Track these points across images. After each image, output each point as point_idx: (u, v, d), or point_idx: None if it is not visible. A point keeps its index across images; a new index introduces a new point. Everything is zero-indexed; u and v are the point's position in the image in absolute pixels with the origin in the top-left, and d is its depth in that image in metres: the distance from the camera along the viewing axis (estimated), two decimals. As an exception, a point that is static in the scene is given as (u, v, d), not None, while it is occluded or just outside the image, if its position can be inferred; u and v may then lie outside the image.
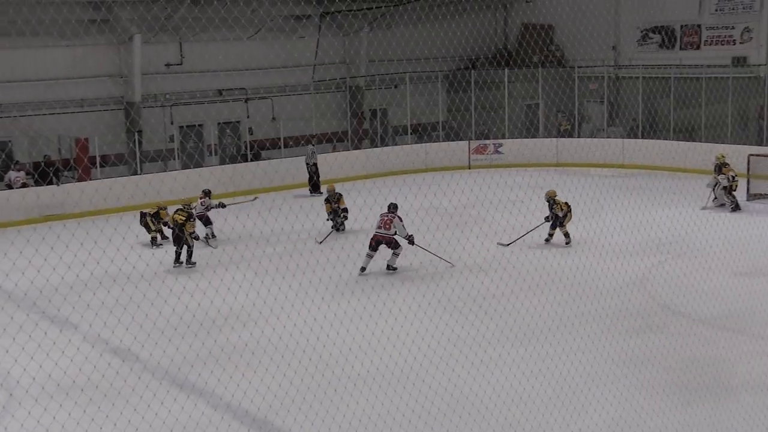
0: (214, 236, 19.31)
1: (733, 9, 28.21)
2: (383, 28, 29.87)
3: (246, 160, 26.90)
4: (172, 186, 21.71)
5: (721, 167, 21.17)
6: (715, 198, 21.25)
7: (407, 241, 16.37)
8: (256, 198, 20.86)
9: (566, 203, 18.07)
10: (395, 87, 30.47)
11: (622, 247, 17.58)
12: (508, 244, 17.83)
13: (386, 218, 16.33)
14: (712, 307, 13.77)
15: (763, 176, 22.44)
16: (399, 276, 15.97)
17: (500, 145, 29.48)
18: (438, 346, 11.84)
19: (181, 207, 17.44)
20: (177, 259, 17.20)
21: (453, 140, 29.99)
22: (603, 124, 30.62)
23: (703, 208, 20.86)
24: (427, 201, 18.85)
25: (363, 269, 16.15)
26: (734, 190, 20.95)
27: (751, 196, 21.91)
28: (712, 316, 13.50)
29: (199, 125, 27.35)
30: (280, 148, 27.57)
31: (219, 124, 27.70)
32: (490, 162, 29.01)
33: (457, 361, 11.47)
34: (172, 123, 26.83)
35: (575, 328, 12.89)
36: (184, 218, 17.11)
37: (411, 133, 30.42)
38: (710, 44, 29.06)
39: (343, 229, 19.97)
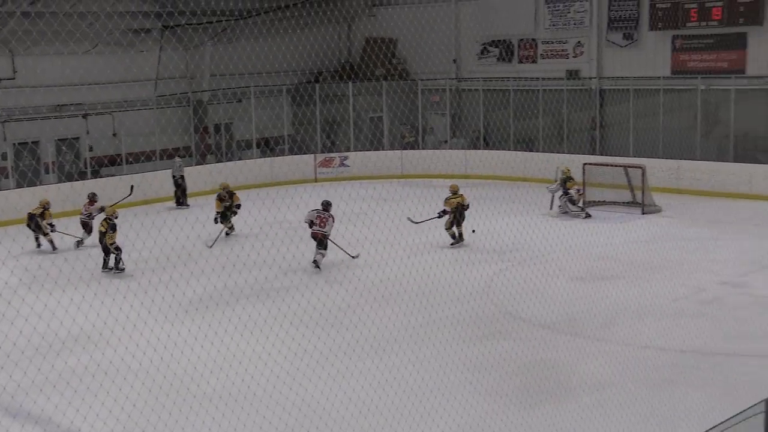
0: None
1: (566, 24, 29.27)
2: (225, 42, 29.59)
3: (84, 178, 26.07)
4: (4, 206, 20.87)
5: (566, 181, 22.01)
6: (560, 205, 22.05)
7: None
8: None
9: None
10: (239, 101, 30.18)
11: (465, 255, 17.97)
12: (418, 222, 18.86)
13: (323, 216, 17.46)
14: (551, 312, 14.22)
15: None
16: (247, 291, 15.78)
17: (346, 158, 29.67)
18: (285, 361, 11.79)
19: (105, 217, 17.69)
20: (105, 265, 17.52)
21: (299, 154, 30.01)
22: (446, 136, 31.25)
23: (547, 213, 21.63)
24: (270, 215, 18.75)
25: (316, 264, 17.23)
26: (577, 203, 21.88)
27: (587, 204, 22.76)
28: (552, 320, 13.95)
29: (34, 142, 26.32)
30: (121, 164, 26.90)
31: (56, 140, 26.76)
32: (336, 175, 29.15)
33: (304, 374, 11.42)
34: (5, 139, 25.74)
35: (422, 338, 13.09)
36: (104, 228, 17.21)
37: (256, 147, 30.22)
38: (546, 58, 30.02)
39: (232, 231, 20.36)
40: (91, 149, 27.31)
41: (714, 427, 6.68)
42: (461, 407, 10.23)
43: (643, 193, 22.87)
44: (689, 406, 10.09)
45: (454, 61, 32.09)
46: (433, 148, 30.81)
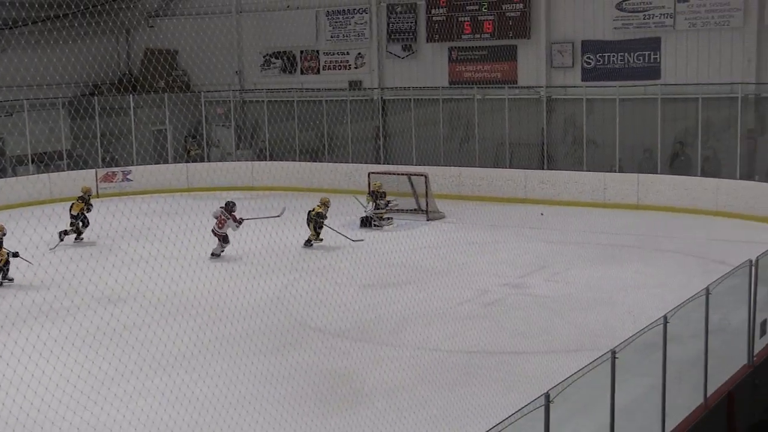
0: None
1: (347, 36, 29.74)
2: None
3: None
4: None
5: (377, 195, 22.38)
6: (374, 222, 22.24)
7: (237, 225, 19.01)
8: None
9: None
10: (10, 114, 28.63)
11: (256, 267, 17.90)
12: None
13: (221, 217, 18.89)
14: (343, 320, 14.37)
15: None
16: (24, 314, 14.83)
17: (129, 172, 28.85)
18: (68, 384, 11.14)
19: None
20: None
21: (78, 169, 28.84)
22: (232, 148, 31.02)
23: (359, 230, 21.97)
24: (48, 233, 17.99)
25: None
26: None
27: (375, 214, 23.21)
28: (344, 328, 14.10)
29: None
30: None
31: None
32: (119, 189, 28.27)
33: (89, 398, 10.87)
34: None
35: (213, 353, 12.92)
36: None
37: (32, 163, 28.80)
38: (328, 69, 30.38)
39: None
40: None
41: (500, 422, 6.99)
42: (255, 420, 10.16)
43: (427, 200, 23.54)
44: (478, 405, 10.45)
45: (237, 72, 31.90)
46: (219, 161, 30.47)
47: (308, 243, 19.93)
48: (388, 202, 22.49)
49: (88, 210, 21.15)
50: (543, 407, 7.18)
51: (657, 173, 24.05)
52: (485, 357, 12.64)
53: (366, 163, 27.29)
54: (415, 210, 23.74)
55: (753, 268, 11.07)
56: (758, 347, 11.08)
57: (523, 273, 17.34)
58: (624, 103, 24.70)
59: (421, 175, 23.74)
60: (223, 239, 19.06)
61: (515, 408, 7.32)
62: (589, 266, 17.57)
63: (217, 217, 18.94)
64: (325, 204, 20.14)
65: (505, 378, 11.66)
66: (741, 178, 22.77)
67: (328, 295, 15.38)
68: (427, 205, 23.51)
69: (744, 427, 10.36)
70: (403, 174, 24.27)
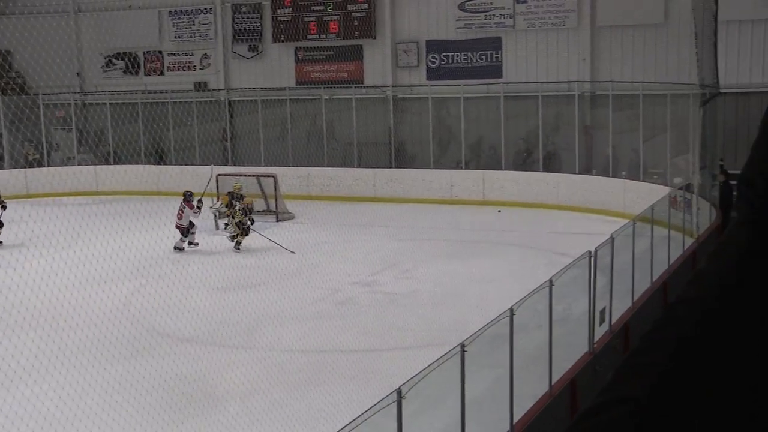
0: None
1: (191, 37, 29.33)
2: None
3: None
4: None
5: (235, 196, 22.04)
6: (226, 224, 21.82)
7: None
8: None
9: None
10: None
11: (102, 273, 17.40)
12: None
13: (180, 209, 19.57)
14: (194, 325, 14.16)
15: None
16: None
17: (-37, 179, 27.61)
18: None
19: None
20: None
21: None
22: (73, 152, 30.05)
23: (215, 234, 21.60)
24: None
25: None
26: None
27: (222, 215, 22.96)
28: (195, 333, 13.90)
29: None
30: None
31: None
32: (-48, 198, 27.00)
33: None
34: None
35: (58, 364, 12.47)
36: None
37: None
38: (173, 70, 29.88)
39: None
40: None
41: (354, 420, 7.04)
42: (101, 430, 9.92)
43: (276, 201, 23.46)
44: (331, 403, 10.50)
45: (78, 74, 30.95)
46: (61, 165, 29.50)
47: (237, 244, 20.21)
48: (250, 209, 21.49)
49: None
50: (395, 403, 7.27)
51: (501, 170, 24.68)
52: (338, 356, 12.70)
53: (214, 165, 26.91)
54: (264, 211, 23.60)
55: (592, 259, 11.52)
56: (598, 335, 11.53)
57: (374, 271, 17.50)
58: (468, 101, 25.23)
59: (270, 176, 23.64)
60: (184, 232, 19.73)
61: (368, 405, 7.39)
62: (438, 262, 17.88)
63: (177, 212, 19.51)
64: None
65: (358, 376, 11.74)
66: (580, 173, 23.67)
67: (179, 299, 15.11)
68: (276, 206, 23.43)
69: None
70: (251, 175, 24.09)
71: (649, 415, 1.40)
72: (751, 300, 2.70)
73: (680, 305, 2.05)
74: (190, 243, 20.08)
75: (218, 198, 22.34)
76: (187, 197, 19.88)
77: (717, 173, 21.48)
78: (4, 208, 21.31)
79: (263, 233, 20.09)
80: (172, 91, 29.04)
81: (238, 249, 19.97)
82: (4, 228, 20.86)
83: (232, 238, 20.30)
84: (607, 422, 1.28)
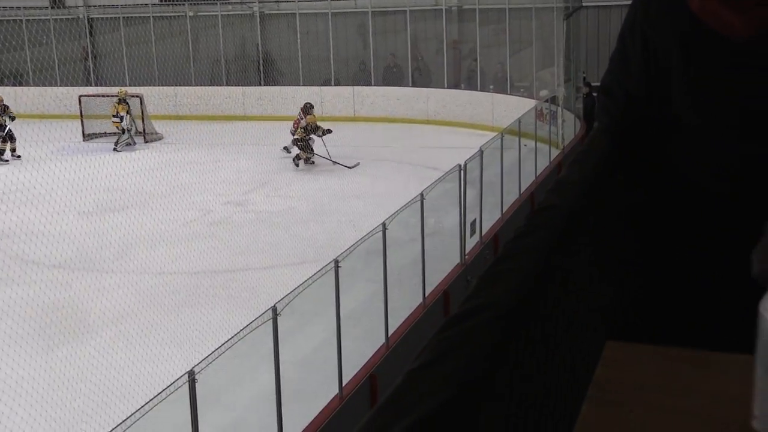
0: None
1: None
2: None
3: None
4: None
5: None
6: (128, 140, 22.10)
7: None
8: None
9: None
10: None
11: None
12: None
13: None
14: (62, 250, 13.89)
15: (95, 116, 23.03)
16: None
17: None
18: None
19: None
20: None
21: None
22: None
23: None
24: None
25: None
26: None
27: (87, 137, 22.42)
28: (65, 259, 13.67)
29: None
30: None
31: None
32: None
33: None
34: None
35: None
36: None
37: None
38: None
39: None
40: None
41: (229, 339, 7.12)
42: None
43: (143, 121, 22.99)
44: (207, 324, 10.54)
45: None
46: None
47: (298, 158, 19.87)
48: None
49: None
50: (271, 320, 7.38)
51: (371, 85, 24.74)
52: (211, 276, 12.72)
53: (76, 86, 26.05)
54: (132, 132, 23.12)
55: (462, 172, 11.78)
56: (469, 246, 11.87)
57: (246, 190, 17.46)
58: (336, 16, 25.08)
59: (136, 97, 23.09)
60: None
61: (244, 324, 7.48)
62: (309, 180, 17.96)
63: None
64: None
65: (233, 296, 11.79)
66: (448, 88, 23.94)
67: (45, 225, 14.76)
68: (144, 126, 22.95)
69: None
70: (116, 96, 23.46)
71: (510, 318, 1.50)
72: (608, 204, 2.87)
73: (541, 213, 2.17)
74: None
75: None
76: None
77: (580, 85, 22.07)
78: (13, 119, 21.63)
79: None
80: (27, 8, 27.76)
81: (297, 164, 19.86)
82: None
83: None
84: (471, 328, 1.38)
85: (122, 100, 22.32)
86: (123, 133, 22.12)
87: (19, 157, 21.09)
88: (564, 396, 1.69)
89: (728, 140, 2.49)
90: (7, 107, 22.11)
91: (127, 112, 22.26)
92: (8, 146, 21.44)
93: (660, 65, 2.54)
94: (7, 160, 21.05)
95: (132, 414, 5.96)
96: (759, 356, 1.08)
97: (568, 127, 18.86)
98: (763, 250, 1.34)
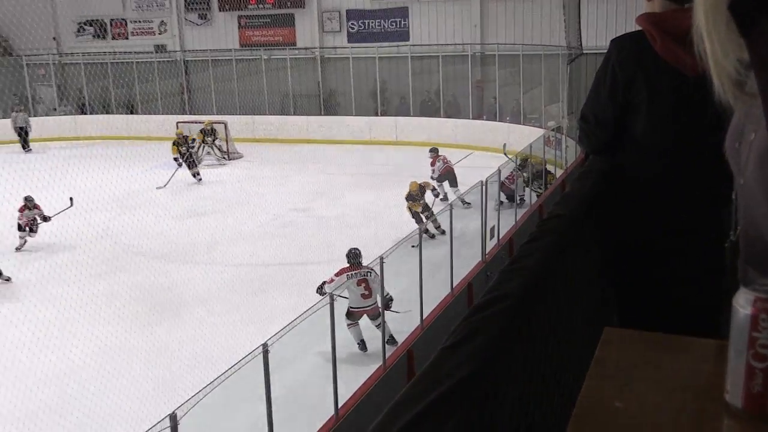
0: None
1: (150, 6, 28.37)
2: None
3: None
4: None
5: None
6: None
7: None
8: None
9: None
10: None
11: (84, 205, 17.05)
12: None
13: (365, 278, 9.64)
14: (163, 246, 14.09)
15: (191, 137, 23.18)
16: None
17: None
18: None
19: None
20: None
21: None
22: (55, 104, 29.06)
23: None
24: None
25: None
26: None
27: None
28: (164, 252, 13.84)
29: None
30: None
31: None
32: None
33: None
34: None
35: (52, 280, 12.32)
36: None
37: None
38: (136, 35, 28.91)
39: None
40: None
41: (295, 319, 7.16)
42: (91, 333, 9.86)
43: (227, 143, 23.17)
44: (276, 307, 10.57)
45: (54, 38, 29.74)
46: (45, 116, 28.51)
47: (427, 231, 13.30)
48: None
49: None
50: (328, 305, 7.39)
51: (410, 116, 24.75)
52: (280, 268, 12.76)
53: (175, 114, 26.37)
54: (218, 154, 23.30)
55: (483, 186, 11.72)
56: (489, 247, 11.79)
57: (308, 200, 17.50)
58: (382, 60, 25.12)
59: (221, 123, 23.29)
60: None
61: (306, 307, 7.50)
62: (360, 192, 17.94)
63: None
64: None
65: (297, 284, 11.81)
66: (473, 118, 23.86)
67: (150, 224, 14.98)
68: (227, 147, 23.14)
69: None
70: (207, 122, 23.67)
71: (523, 307, 1.50)
72: (603, 211, 2.82)
73: (550, 220, 2.16)
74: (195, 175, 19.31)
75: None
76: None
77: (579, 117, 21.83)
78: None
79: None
80: (136, 53, 28.18)
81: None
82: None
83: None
84: (491, 314, 1.38)
85: (204, 131, 22.35)
86: (180, 165, 20.19)
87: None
88: (569, 371, 1.68)
89: (669, 147, 2.53)
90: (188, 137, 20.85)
91: (203, 141, 22.12)
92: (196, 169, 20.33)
93: (626, 98, 2.61)
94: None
95: (218, 377, 6.01)
96: (732, 342, 1.07)
97: (570, 151, 18.66)
98: (743, 259, 1.32)
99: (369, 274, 9.45)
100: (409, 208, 14.45)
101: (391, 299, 9.38)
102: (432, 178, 16.54)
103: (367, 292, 9.44)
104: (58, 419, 8.03)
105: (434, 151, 17.43)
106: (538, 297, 1.63)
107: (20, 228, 14.48)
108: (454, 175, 16.93)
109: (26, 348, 9.36)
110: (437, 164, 17.05)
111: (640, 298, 2.58)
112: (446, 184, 16.68)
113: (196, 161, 20.68)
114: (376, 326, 9.10)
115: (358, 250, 9.89)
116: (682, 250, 2.54)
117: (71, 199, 15.37)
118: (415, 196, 14.40)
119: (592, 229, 2.39)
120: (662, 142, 2.66)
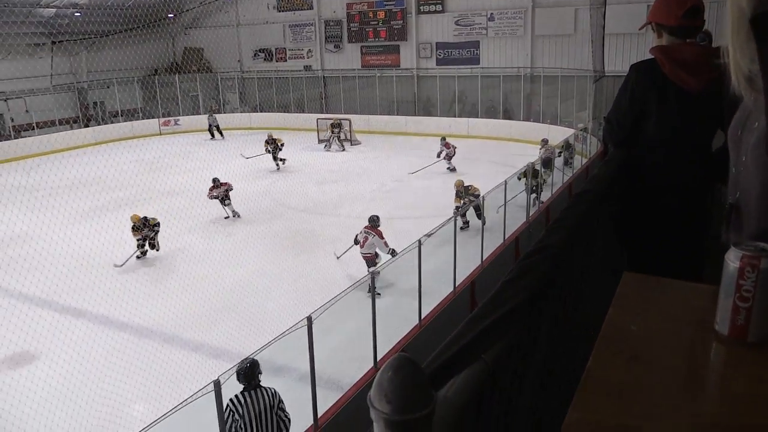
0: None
1: (301, 39, 28.51)
2: (95, 51, 26.25)
3: (8, 139, 22.77)
4: None
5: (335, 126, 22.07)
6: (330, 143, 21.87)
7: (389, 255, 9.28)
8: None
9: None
10: (108, 87, 27.06)
11: (250, 173, 17.56)
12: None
13: (366, 234, 9.69)
14: (307, 202, 14.33)
15: (325, 129, 23.42)
16: None
17: (178, 119, 27.66)
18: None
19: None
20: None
21: (148, 118, 27.55)
22: (237, 105, 29.92)
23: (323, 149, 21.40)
24: (136, 155, 17.09)
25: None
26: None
27: (320, 141, 22.89)
28: (307, 206, 14.05)
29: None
30: (34, 128, 23.57)
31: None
32: (173, 130, 27.17)
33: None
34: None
35: (226, 224, 12.69)
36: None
37: (120, 116, 27.40)
38: (292, 59, 29.23)
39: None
40: (12, 120, 23.75)
41: (402, 252, 7.00)
42: (253, 260, 10.13)
43: (350, 133, 23.31)
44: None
45: (239, 61, 30.49)
46: (231, 113, 29.37)
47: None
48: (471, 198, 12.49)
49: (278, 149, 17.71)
50: (416, 248, 7.23)
51: (478, 117, 24.25)
52: (385, 221, 12.61)
53: (316, 113, 26.72)
54: (345, 140, 23.49)
55: (529, 169, 11.29)
56: (532, 211, 11.32)
57: (404, 175, 17.43)
58: (460, 78, 24.63)
59: (347, 119, 23.46)
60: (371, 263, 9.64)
61: (403, 247, 7.43)
62: (443, 171, 17.57)
63: (359, 239, 9.88)
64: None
65: (396, 232, 11.79)
66: (524, 120, 23.16)
67: (294, 187, 15.26)
68: (351, 136, 23.29)
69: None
70: (336, 119, 23.88)
71: (561, 255, 1.44)
72: (618, 203, 2.70)
73: (583, 194, 2.06)
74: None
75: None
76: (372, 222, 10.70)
77: (602, 122, 20.81)
78: (280, 147, 17.35)
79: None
80: (291, 71, 28.58)
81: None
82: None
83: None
84: (536, 260, 1.34)
85: (333, 124, 22.30)
86: (272, 156, 18.15)
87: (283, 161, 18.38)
88: (594, 303, 1.62)
89: (670, 142, 2.39)
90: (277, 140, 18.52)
91: (332, 132, 21.95)
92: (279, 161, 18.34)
93: (641, 107, 2.48)
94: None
95: (336, 296, 5.93)
96: (722, 287, 1.00)
97: (593, 145, 17.89)
98: (727, 225, 1.24)
99: (369, 233, 9.55)
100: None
101: (394, 253, 8.94)
102: (443, 157, 17.37)
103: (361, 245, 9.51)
104: (233, 315, 8.35)
105: (444, 139, 17.83)
106: (573, 248, 1.56)
107: (221, 201, 13.18)
108: (454, 154, 17.41)
109: (216, 263, 9.77)
110: (449, 149, 17.33)
111: (645, 250, 2.47)
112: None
113: (277, 164, 18.33)
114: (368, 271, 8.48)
115: (376, 216, 9.93)
116: (676, 215, 2.44)
117: (247, 157, 16.83)
118: (459, 192, 12.37)
119: (613, 201, 2.28)
120: (665, 138, 2.53)
